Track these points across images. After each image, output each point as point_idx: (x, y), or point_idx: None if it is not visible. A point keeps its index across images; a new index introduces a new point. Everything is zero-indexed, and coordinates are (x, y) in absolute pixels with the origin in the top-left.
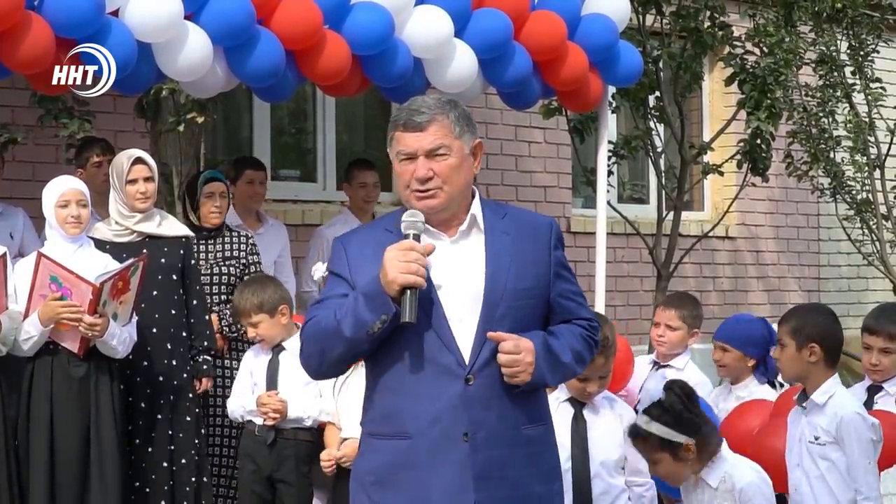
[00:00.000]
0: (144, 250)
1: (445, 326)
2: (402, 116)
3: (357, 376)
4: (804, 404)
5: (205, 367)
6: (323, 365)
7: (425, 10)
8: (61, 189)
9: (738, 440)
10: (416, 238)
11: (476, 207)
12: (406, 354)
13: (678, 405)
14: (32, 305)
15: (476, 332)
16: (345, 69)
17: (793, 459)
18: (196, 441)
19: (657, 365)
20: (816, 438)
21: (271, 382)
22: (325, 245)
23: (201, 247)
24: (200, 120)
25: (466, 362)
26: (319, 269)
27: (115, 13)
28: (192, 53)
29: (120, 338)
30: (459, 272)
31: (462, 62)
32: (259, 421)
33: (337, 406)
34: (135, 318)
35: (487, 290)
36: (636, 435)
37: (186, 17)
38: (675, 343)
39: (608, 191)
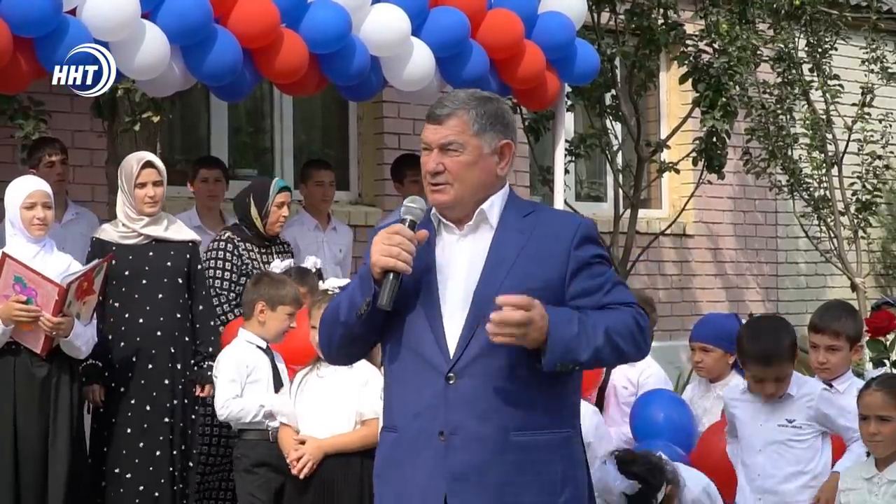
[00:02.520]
0: (143, 254)
1: (438, 322)
2: (430, 107)
3: (314, 377)
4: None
5: (209, 373)
6: (332, 350)
7: (382, 9)
8: (28, 190)
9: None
10: (412, 224)
11: (489, 204)
12: (402, 347)
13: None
14: None
15: (462, 329)
16: (302, 68)
17: (755, 446)
18: (191, 447)
19: None
20: (790, 421)
21: (278, 382)
22: None
23: (264, 258)
24: (156, 119)
25: (451, 359)
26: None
27: (73, 12)
28: (149, 52)
29: (83, 338)
30: (460, 268)
31: (419, 60)
32: (275, 423)
33: (295, 406)
34: (95, 320)
35: (479, 289)
36: None
37: (144, 16)
38: None
39: (565, 189)
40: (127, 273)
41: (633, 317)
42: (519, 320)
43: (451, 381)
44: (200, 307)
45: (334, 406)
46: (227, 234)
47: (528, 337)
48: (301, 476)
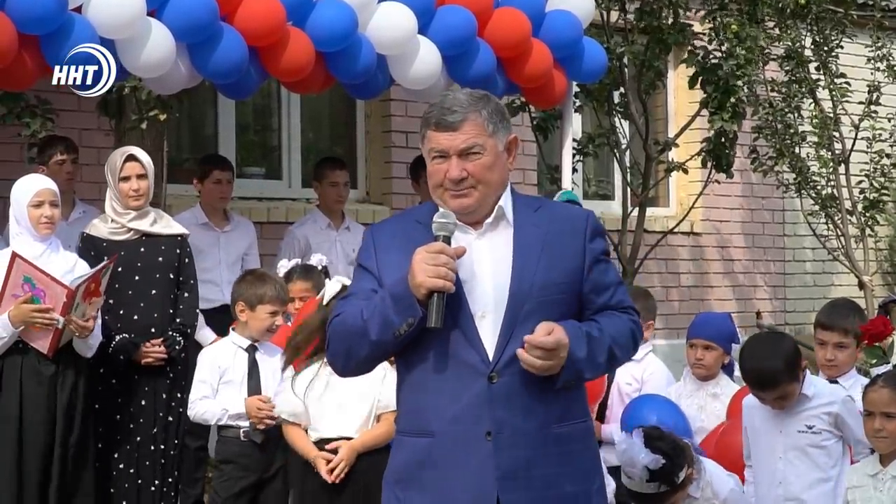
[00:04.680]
0: (134, 250)
1: (470, 323)
2: (434, 115)
3: (327, 372)
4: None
5: (176, 339)
6: (349, 364)
7: (389, 7)
8: (35, 188)
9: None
10: (447, 240)
11: (505, 200)
12: (431, 351)
13: (664, 464)
14: (4, 306)
15: (501, 328)
16: (308, 66)
17: (775, 453)
18: (177, 440)
19: None
20: (810, 427)
21: (256, 384)
22: (297, 244)
23: None
24: (163, 117)
25: (490, 360)
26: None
27: (78, 9)
28: (154, 50)
29: (94, 334)
30: (485, 267)
31: (426, 59)
32: (245, 423)
33: (310, 402)
34: (99, 318)
35: (514, 286)
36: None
37: (150, 14)
38: None
39: (573, 188)
40: (119, 269)
41: (630, 328)
42: (553, 343)
43: (493, 381)
44: (186, 294)
45: (353, 400)
46: None
47: (558, 361)
48: (337, 481)
